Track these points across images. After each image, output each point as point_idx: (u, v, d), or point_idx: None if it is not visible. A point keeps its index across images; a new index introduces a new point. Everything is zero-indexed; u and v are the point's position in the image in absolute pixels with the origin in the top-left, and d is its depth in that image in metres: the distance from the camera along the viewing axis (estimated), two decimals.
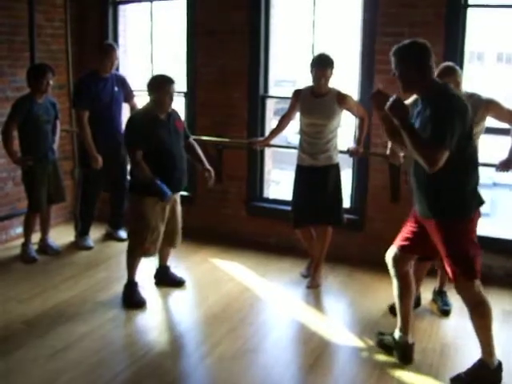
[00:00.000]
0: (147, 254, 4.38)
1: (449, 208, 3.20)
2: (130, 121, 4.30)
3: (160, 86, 4.17)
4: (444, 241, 3.21)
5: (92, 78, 5.34)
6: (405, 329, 3.60)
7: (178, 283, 4.73)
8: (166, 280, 4.73)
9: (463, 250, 3.21)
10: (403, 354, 3.60)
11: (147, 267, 4.71)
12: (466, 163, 3.17)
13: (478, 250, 3.26)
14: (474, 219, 3.26)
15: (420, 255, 3.62)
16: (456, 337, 3.98)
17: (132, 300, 4.36)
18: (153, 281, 4.74)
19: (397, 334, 3.63)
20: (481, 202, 3.27)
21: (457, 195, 3.17)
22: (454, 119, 2.99)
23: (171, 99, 4.22)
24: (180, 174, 4.35)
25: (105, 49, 5.37)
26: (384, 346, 3.73)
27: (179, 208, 4.55)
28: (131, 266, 4.40)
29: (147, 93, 4.25)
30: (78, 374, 3.45)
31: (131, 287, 4.42)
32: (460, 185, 3.17)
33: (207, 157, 4.66)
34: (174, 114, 4.39)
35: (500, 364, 3.42)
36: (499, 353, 3.72)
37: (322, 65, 4.43)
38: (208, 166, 4.52)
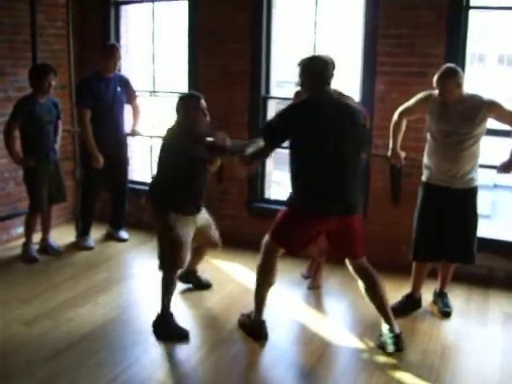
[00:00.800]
0: (181, 267, 4.07)
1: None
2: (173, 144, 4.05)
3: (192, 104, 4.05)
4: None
5: (94, 78, 5.36)
6: None
7: (204, 286, 4.70)
8: (192, 280, 4.68)
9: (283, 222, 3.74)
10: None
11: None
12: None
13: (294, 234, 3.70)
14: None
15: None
16: (457, 338, 3.99)
17: (175, 333, 3.93)
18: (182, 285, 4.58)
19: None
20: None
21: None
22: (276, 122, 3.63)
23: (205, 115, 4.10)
24: (202, 194, 4.19)
25: (108, 49, 5.38)
26: (244, 328, 3.98)
27: (206, 215, 4.34)
28: (168, 291, 3.97)
29: (177, 115, 4.08)
30: (79, 375, 3.45)
31: (170, 320, 3.97)
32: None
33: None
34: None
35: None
36: (499, 355, 3.73)
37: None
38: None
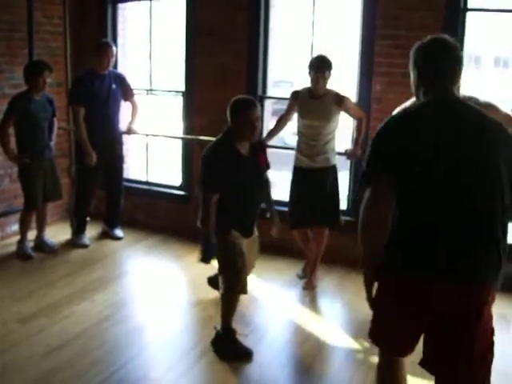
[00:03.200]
0: (244, 291, 3.71)
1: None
2: (206, 157, 3.66)
3: (239, 111, 3.59)
4: None
5: (89, 75, 5.35)
6: None
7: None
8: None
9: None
10: None
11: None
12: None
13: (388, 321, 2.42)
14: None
15: None
16: None
17: (238, 352, 3.69)
18: (199, 299, 4.43)
19: None
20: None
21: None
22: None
23: (254, 127, 3.58)
24: (253, 216, 3.86)
25: (101, 46, 5.38)
26: None
27: (255, 250, 4.02)
28: (229, 311, 3.70)
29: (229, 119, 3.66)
30: (74, 372, 3.44)
31: (231, 336, 3.72)
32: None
33: None
34: (258, 145, 3.82)
35: None
36: (497, 356, 3.73)
37: (319, 66, 4.44)
38: (274, 215, 4.03)
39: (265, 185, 3.92)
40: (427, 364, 2.46)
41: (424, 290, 2.25)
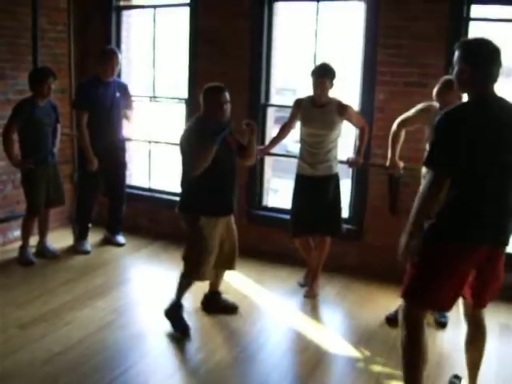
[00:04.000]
0: (203, 278, 4.08)
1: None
2: (185, 140, 3.97)
3: (210, 95, 3.96)
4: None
5: (93, 82, 5.37)
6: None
7: (232, 309, 4.39)
8: (217, 306, 4.40)
9: (421, 272, 2.93)
10: None
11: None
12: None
13: (445, 282, 2.88)
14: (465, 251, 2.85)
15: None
16: (452, 349, 3.98)
17: (177, 325, 4.08)
18: (199, 307, 4.45)
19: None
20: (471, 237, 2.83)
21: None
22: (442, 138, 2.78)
23: (223, 110, 3.96)
24: (233, 194, 4.12)
25: (106, 53, 5.39)
26: None
27: (234, 227, 4.28)
28: (182, 289, 4.10)
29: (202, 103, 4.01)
30: (75, 378, 3.44)
31: (178, 310, 4.11)
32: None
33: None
34: (230, 128, 4.06)
35: None
36: (494, 366, 3.74)
37: (321, 74, 4.45)
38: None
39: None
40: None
41: (476, 254, 2.85)
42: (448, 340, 4.13)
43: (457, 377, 3.49)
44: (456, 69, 2.86)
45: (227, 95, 3.99)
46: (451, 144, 2.72)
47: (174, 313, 4.10)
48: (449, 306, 3.00)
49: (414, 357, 3.00)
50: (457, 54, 2.86)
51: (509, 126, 2.79)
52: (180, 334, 4.02)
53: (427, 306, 3.06)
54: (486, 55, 2.80)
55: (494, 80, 2.83)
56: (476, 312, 3.14)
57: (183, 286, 4.11)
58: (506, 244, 2.96)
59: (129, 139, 5.85)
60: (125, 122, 5.78)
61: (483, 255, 2.87)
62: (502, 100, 2.85)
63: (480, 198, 2.79)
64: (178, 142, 4.00)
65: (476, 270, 2.93)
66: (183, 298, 4.13)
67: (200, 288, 4.36)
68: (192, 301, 4.65)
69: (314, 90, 4.51)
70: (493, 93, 2.85)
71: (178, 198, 4.15)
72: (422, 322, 3.01)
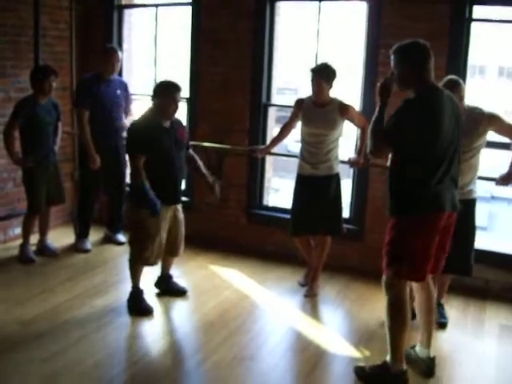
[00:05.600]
0: (148, 263, 4.31)
1: (400, 206, 3.33)
2: (132, 127, 4.24)
3: (165, 92, 4.10)
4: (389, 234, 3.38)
5: (94, 80, 5.37)
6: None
7: (180, 292, 4.67)
8: (168, 289, 4.66)
9: (399, 247, 3.29)
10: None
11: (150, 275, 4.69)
12: (425, 165, 3.20)
13: (427, 253, 3.27)
14: (433, 220, 3.24)
15: None
16: (452, 350, 3.99)
17: (139, 308, 4.31)
18: (154, 290, 4.66)
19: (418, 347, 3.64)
20: (440, 206, 3.23)
21: (409, 195, 3.26)
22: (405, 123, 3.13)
23: (176, 107, 4.15)
24: (179, 184, 4.32)
25: (107, 51, 5.40)
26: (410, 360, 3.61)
27: (181, 216, 4.47)
28: (134, 275, 4.36)
29: (151, 98, 4.19)
30: (74, 376, 3.44)
31: (137, 295, 4.36)
32: (415, 185, 3.23)
33: (207, 163, 4.66)
34: (178, 122, 4.33)
35: (404, 372, 3.41)
36: (494, 367, 3.74)
37: (319, 74, 4.45)
38: (210, 180, 4.48)
39: (190, 159, 4.48)
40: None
41: (442, 222, 3.23)
42: (448, 340, 4.13)
43: (412, 347, 3.69)
44: (396, 72, 3.23)
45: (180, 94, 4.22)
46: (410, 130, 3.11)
47: (134, 299, 4.33)
48: (426, 276, 3.36)
49: (398, 325, 3.33)
50: (394, 58, 3.24)
51: (453, 113, 3.20)
52: (143, 315, 4.26)
53: (410, 277, 3.34)
54: (421, 54, 3.17)
55: (432, 74, 3.19)
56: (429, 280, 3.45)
57: (133, 271, 4.35)
58: (457, 209, 3.35)
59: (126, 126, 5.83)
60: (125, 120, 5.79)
61: (443, 222, 3.25)
62: (443, 90, 3.27)
63: (439, 175, 3.18)
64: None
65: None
66: (139, 282, 4.37)
67: (201, 282, 4.36)
68: (192, 299, 4.66)
69: (312, 89, 4.51)
70: (434, 84, 3.22)
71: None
72: (406, 292, 3.33)
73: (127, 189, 5.83)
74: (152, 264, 4.34)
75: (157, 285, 4.69)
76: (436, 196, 3.21)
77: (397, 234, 3.31)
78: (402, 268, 3.28)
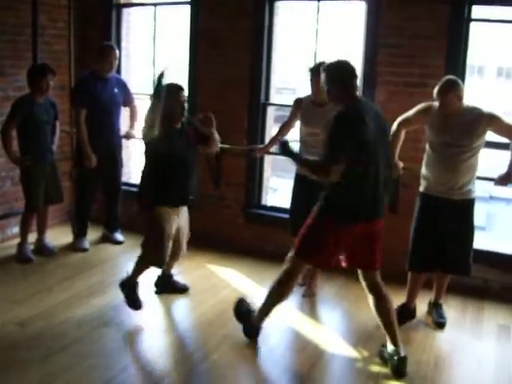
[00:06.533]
0: (161, 264, 4.31)
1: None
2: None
3: (170, 95, 4.07)
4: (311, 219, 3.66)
5: (92, 78, 5.36)
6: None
7: (182, 290, 4.68)
8: (168, 288, 4.65)
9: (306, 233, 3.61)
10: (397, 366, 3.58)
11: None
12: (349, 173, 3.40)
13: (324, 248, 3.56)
14: (344, 227, 3.50)
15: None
16: (451, 350, 3.99)
17: (131, 301, 4.26)
18: (153, 289, 4.64)
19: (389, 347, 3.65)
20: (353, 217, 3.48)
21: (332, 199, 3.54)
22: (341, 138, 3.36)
23: (183, 108, 4.15)
24: (188, 185, 4.28)
25: (104, 49, 5.39)
26: (383, 359, 3.71)
27: (187, 216, 4.48)
28: (138, 273, 4.31)
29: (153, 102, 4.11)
30: (72, 376, 3.43)
31: (134, 288, 4.30)
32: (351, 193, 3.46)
33: (206, 163, 4.64)
34: (189, 122, 4.31)
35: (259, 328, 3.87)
36: (492, 367, 3.73)
37: (318, 73, 4.44)
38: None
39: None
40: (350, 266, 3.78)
41: (353, 230, 3.50)
42: (446, 340, 4.13)
43: (383, 345, 3.73)
44: (326, 88, 3.51)
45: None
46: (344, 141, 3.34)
47: (129, 287, 4.29)
48: (323, 265, 3.98)
49: (277, 297, 3.76)
50: (324, 76, 3.51)
51: (377, 123, 3.44)
52: (131, 307, 4.24)
53: (309, 262, 3.73)
54: (348, 73, 3.47)
55: (357, 89, 3.51)
56: (370, 275, 3.65)
57: (141, 269, 4.32)
58: (379, 216, 3.56)
59: (133, 136, 5.81)
60: (128, 119, 5.78)
61: (359, 230, 3.49)
62: (368, 102, 3.62)
63: (360, 187, 3.42)
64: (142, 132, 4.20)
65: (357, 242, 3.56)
66: (138, 277, 4.33)
67: (199, 282, 4.35)
68: (190, 298, 4.65)
69: (312, 89, 4.50)
70: (360, 98, 3.52)
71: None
72: (299, 272, 3.73)
73: (135, 190, 5.87)
74: (163, 265, 4.35)
75: (156, 284, 4.67)
76: (351, 207, 3.47)
77: (313, 224, 3.58)
78: (302, 248, 3.63)
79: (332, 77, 3.48)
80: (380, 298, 3.64)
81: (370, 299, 3.68)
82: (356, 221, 3.49)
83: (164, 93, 4.07)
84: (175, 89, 4.12)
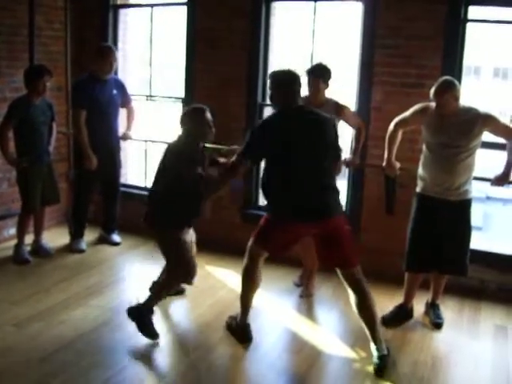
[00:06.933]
0: (191, 281, 4.23)
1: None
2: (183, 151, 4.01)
3: (198, 117, 4.00)
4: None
5: (91, 80, 5.36)
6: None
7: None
8: None
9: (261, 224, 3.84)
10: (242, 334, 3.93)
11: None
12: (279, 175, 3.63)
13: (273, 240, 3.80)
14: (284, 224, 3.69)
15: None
16: (448, 350, 3.99)
17: (147, 330, 3.95)
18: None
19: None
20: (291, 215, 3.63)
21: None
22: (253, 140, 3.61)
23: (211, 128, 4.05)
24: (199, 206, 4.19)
25: (103, 51, 5.38)
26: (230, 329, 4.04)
27: (192, 232, 4.36)
28: (161, 297, 4.10)
29: (181, 125, 4.05)
30: (70, 377, 3.43)
31: (149, 315, 3.99)
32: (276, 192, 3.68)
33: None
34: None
35: (247, 325, 4.00)
36: (489, 367, 3.74)
37: (314, 74, 4.46)
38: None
39: None
40: (323, 264, 4.28)
41: (297, 223, 3.65)
42: (443, 341, 4.13)
43: (231, 317, 4.08)
44: (270, 93, 3.68)
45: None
46: (263, 145, 3.57)
47: (145, 316, 3.97)
48: (275, 254, 3.97)
49: (247, 282, 3.93)
50: (268, 82, 3.71)
51: (314, 126, 3.62)
52: (149, 336, 3.92)
53: (264, 249, 3.86)
54: (286, 81, 3.62)
55: (297, 95, 3.64)
56: (346, 272, 3.70)
57: (165, 293, 4.12)
58: (327, 216, 3.65)
59: (130, 137, 5.81)
60: (125, 120, 5.78)
61: (310, 228, 3.68)
62: (303, 108, 3.70)
63: (287, 188, 3.60)
64: (164, 157, 4.10)
65: (315, 242, 3.79)
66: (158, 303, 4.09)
67: (197, 283, 4.35)
68: (188, 299, 4.65)
69: (309, 90, 4.51)
70: (297, 104, 3.64)
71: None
72: (259, 257, 3.89)
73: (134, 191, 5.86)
74: (192, 279, 4.24)
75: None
76: (280, 207, 3.68)
77: (266, 219, 3.80)
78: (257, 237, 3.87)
79: (275, 83, 3.65)
80: (361, 295, 3.68)
81: (352, 297, 3.72)
82: (290, 221, 3.64)
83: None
84: (203, 110, 4.04)
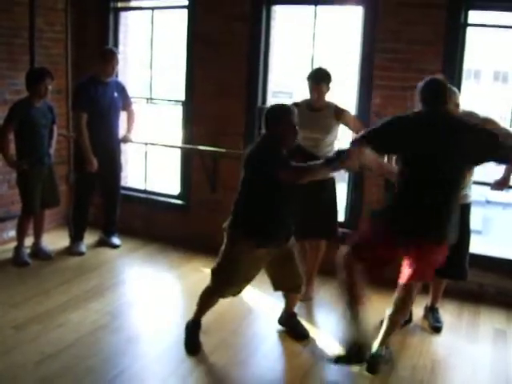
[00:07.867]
0: (226, 296, 3.88)
1: None
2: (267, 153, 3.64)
3: (284, 118, 3.61)
4: None
5: (92, 82, 5.36)
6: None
7: (302, 336, 4.13)
8: (291, 329, 4.20)
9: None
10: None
11: None
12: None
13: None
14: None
15: None
16: (447, 354, 3.99)
17: (189, 342, 3.91)
18: (277, 325, 4.28)
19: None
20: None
21: None
22: None
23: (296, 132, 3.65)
24: (291, 220, 3.90)
25: (106, 53, 5.39)
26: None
27: (295, 256, 3.96)
28: (204, 306, 3.92)
29: (266, 126, 3.68)
30: (68, 380, 3.43)
31: (196, 329, 3.95)
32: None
33: (203, 166, 4.64)
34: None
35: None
36: (488, 371, 3.74)
37: (317, 80, 4.46)
38: None
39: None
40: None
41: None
42: (442, 345, 4.13)
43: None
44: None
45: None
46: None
47: (191, 329, 3.94)
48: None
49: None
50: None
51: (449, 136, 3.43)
52: (190, 352, 3.84)
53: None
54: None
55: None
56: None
57: (205, 302, 3.91)
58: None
59: (130, 140, 5.82)
60: (126, 122, 5.79)
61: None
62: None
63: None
64: (246, 161, 3.80)
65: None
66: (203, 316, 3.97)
67: (196, 286, 4.35)
68: (188, 303, 4.64)
69: (311, 95, 4.52)
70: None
71: (173, 201, 4.12)
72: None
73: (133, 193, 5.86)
74: (228, 296, 3.92)
75: (281, 322, 4.26)
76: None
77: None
78: None
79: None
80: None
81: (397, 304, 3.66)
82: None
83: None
84: (290, 110, 3.66)
